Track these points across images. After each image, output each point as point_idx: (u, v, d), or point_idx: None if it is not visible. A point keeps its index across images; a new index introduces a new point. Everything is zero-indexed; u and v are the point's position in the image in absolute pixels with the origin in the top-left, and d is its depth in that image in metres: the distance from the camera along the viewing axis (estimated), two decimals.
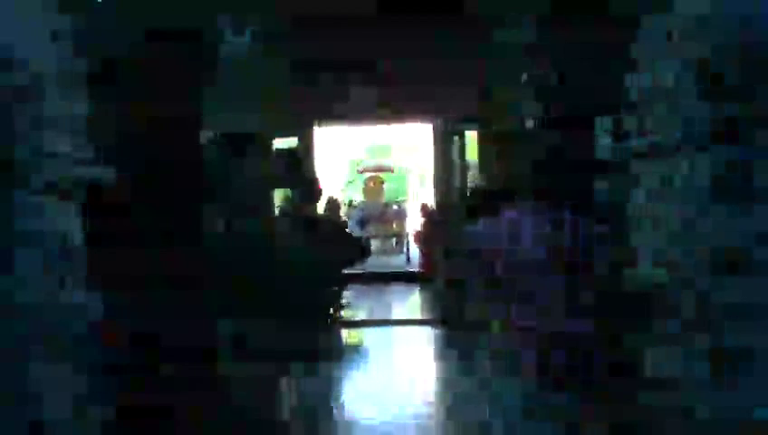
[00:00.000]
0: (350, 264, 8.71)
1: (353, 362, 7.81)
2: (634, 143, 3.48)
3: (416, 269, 13.43)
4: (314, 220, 7.93)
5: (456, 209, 10.35)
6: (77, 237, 3.02)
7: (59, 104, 2.98)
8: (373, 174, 21.65)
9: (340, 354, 8.02)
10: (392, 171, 22.73)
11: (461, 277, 8.60)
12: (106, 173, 3.31)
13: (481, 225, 3.57)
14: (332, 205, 9.44)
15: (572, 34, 4.96)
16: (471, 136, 11.21)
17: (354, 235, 11.08)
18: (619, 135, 3.88)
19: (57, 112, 2.96)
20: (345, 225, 10.21)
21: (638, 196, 3.44)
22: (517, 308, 3.30)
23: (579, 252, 3.29)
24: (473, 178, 10.92)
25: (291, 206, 9.15)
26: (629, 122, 3.54)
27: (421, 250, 13.03)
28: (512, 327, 3.32)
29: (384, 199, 20.65)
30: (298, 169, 10.57)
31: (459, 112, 11.20)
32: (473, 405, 5.13)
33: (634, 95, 3.49)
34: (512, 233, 3.34)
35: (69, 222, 3.00)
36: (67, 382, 2.88)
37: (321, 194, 8.51)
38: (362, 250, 9.19)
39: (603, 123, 4.37)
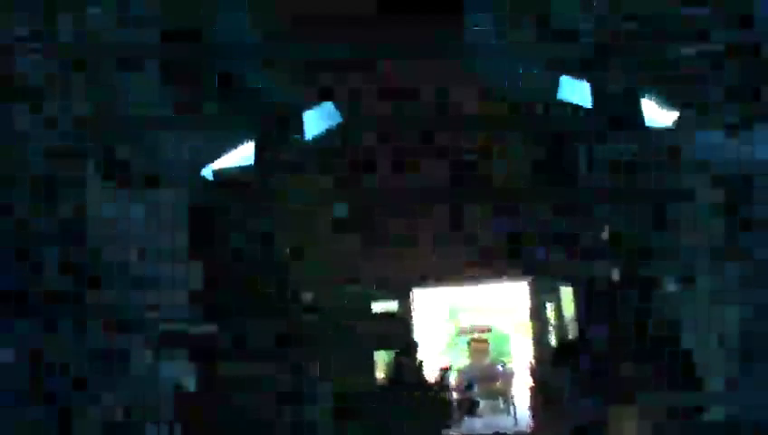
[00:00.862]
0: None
1: None
2: None
3: (524, 430, 13.20)
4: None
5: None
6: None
7: None
8: (476, 335, 21.68)
9: None
10: (490, 331, 22.70)
11: None
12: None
13: None
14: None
15: None
16: (566, 293, 11.39)
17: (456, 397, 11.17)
18: None
19: None
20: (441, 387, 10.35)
21: None
22: None
23: None
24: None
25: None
26: None
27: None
28: None
29: (488, 360, 20.55)
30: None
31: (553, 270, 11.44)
32: None
33: None
34: None
35: None
36: None
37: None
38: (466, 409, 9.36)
39: None
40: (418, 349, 8.98)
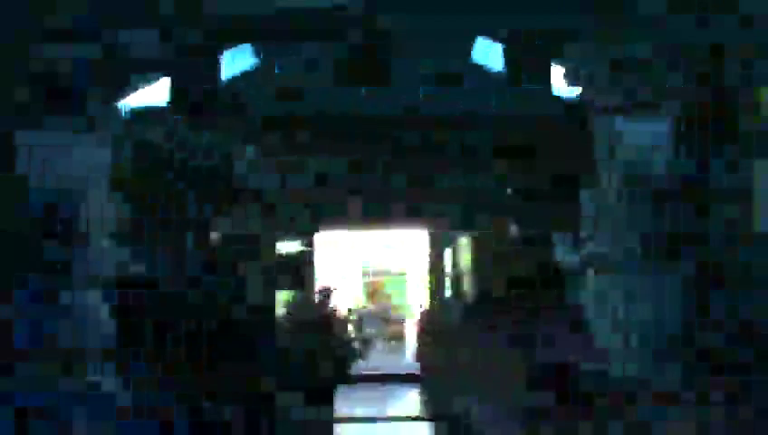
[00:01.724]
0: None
1: None
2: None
3: (414, 371, 13.89)
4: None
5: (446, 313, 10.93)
6: None
7: None
8: (374, 279, 22.32)
9: None
10: (393, 275, 23.39)
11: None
12: None
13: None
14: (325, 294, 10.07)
15: None
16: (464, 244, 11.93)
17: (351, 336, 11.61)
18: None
19: None
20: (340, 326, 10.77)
21: None
22: None
23: None
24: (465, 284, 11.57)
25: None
26: None
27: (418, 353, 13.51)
28: None
29: (386, 302, 21.25)
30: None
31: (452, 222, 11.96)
32: None
33: None
34: None
35: None
36: None
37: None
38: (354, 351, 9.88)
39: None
40: (327, 291, 9.43)
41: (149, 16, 5.05)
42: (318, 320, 9.50)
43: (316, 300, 10.03)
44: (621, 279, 3.90)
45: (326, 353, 9.02)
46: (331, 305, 10.28)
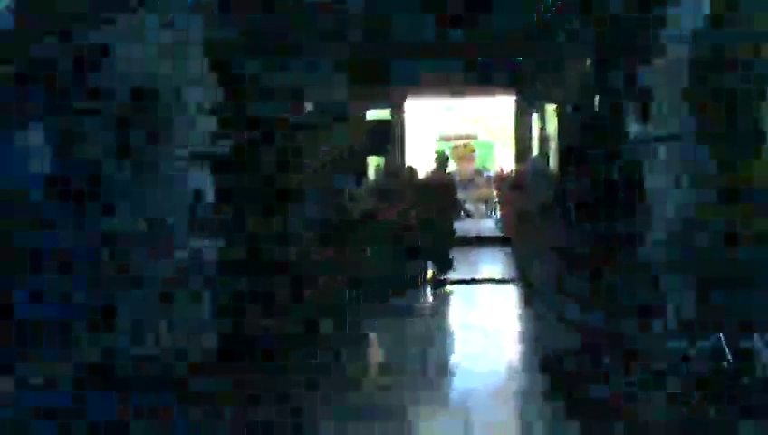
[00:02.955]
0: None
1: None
2: None
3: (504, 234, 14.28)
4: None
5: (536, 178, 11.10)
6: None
7: None
8: (462, 142, 22.49)
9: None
10: (477, 138, 23.57)
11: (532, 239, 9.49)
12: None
13: None
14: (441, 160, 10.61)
15: None
16: (550, 109, 11.94)
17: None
18: None
19: None
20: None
21: None
22: None
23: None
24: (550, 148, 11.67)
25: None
26: None
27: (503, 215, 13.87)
28: None
29: (474, 166, 21.50)
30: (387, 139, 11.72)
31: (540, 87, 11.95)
32: None
33: None
34: None
35: None
36: None
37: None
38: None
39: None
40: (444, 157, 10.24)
41: None
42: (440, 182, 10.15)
43: (435, 165, 10.63)
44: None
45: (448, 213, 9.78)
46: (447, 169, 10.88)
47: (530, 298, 9.06)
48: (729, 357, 3.55)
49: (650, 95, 4.39)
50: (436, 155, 11.15)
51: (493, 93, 15.80)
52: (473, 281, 10.46)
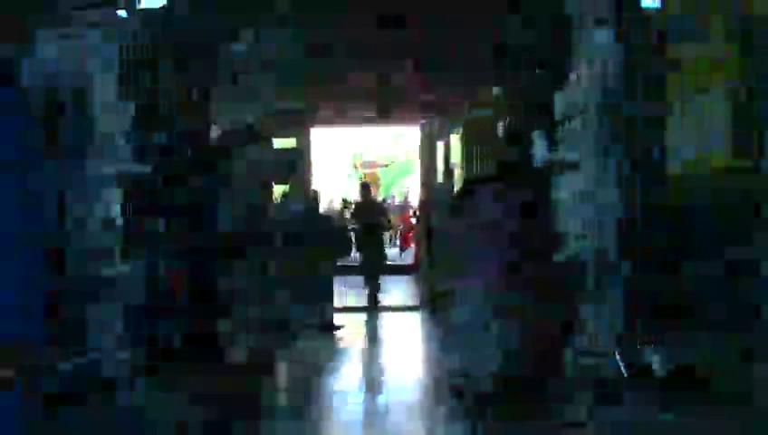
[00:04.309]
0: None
1: None
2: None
3: (406, 262, 14.41)
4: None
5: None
6: None
7: None
8: (367, 171, 22.70)
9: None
10: (386, 166, 23.86)
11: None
12: None
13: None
14: (314, 196, 10.43)
15: None
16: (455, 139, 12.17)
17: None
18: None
19: None
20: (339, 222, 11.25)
21: None
22: None
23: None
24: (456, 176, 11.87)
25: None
26: None
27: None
28: None
29: (378, 195, 21.64)
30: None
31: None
32: None
33: None
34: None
35: None
36: None
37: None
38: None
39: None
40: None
41: None
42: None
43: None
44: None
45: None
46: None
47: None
48: None
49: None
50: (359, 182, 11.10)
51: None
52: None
